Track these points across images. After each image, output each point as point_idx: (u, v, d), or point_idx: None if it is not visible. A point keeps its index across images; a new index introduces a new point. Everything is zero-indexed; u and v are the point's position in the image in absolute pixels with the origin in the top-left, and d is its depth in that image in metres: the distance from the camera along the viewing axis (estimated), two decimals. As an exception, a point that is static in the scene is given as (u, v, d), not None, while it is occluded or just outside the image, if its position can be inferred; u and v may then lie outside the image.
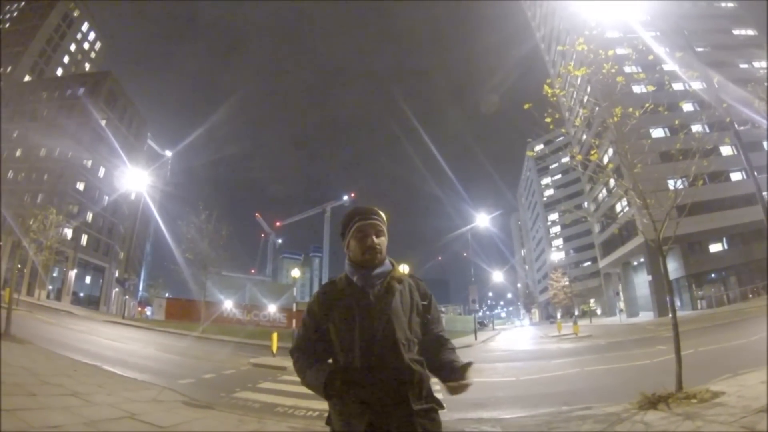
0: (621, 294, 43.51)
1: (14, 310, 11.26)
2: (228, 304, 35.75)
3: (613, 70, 7.14)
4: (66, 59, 64.71)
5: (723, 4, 46.89)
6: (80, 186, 45.74)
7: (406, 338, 1.66)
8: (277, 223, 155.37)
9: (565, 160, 61.65)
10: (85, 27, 69.09)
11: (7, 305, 11.12)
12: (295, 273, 33.64)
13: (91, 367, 8.14)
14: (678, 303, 31.11)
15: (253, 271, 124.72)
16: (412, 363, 1.63)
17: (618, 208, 40.84)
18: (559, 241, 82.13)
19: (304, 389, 1.72)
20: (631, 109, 6.95)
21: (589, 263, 68.35)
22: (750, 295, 29.08)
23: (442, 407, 1.69)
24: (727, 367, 6.85)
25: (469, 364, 1.68)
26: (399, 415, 1.56)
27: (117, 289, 51.72)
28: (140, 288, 70.06)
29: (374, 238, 1.74)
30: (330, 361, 1.73)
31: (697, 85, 31.22)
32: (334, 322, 1.68)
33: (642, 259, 38.44)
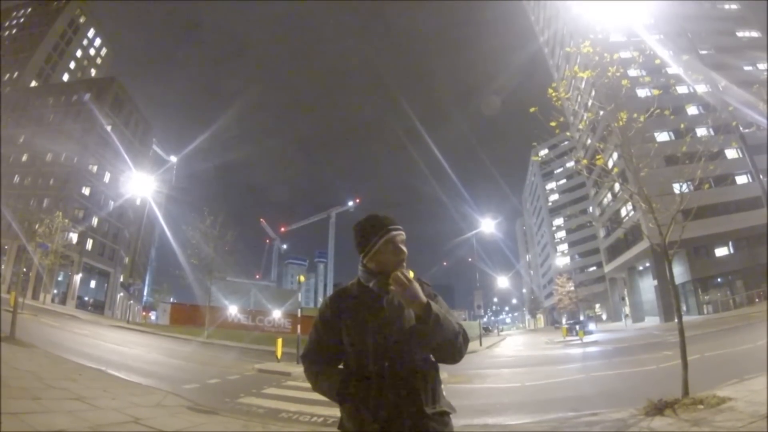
0: (626, 299, 43.21)
1: (19, 313, 11.32)
2: (233, 310, 35.88)
3: (617, 74, 7.13)
4: (72, 65, 65.37)
5: (726, 6, 46.62)
6: (86, 191, 45.99)
7: (418, 342, 1.64)
8: (282, 229, 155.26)
9: (570, 164, 61.42)
10: (91, 33, 69.82)
11: (12, 309, 11.18)
12: (300, 278, 33.62)
13: (95, 371, 8.15)
14: (684, 308, 30.87)
15: (257, 276, 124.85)
16: (424, 367, 1.64)
17: (623, 212, 40.66)
18: (564, 246, 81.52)
19: (309, 395, 1.72)
20: (636, 113, 6.93)
21: (594, 268, 67.84)
22: (756, 299, 28.80)
23: (453, 411, 1.69)
24: (733, 373, 6.79)
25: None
26: (412, 420, 1.55)
27: (122, 294, 51.99)
28: (145, 293, 70.11)
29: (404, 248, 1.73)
30: (341, 366, 1.73)
31: (701, 88, 31.27)
32: (347, 327, 1.67)
33: (647, 264, 38.18)
